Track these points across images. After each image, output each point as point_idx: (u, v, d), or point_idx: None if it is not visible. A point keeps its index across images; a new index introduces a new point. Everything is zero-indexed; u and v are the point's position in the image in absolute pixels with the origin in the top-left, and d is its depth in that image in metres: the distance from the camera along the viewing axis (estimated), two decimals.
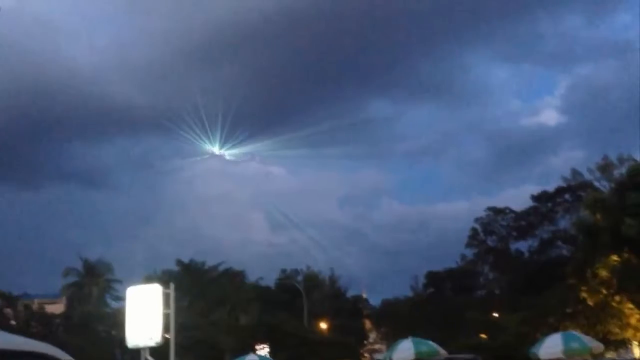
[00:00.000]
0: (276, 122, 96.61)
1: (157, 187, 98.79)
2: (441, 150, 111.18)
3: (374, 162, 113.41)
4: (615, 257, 27.02)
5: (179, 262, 47.56)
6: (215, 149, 68.27)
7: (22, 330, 33.63)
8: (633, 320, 26.39)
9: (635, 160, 32.53)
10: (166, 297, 14.24)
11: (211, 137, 66.52)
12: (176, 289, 14.63)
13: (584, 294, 28.48)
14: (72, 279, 44.67)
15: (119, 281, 43.27)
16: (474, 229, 58.82)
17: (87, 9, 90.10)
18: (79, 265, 44.75)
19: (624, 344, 29.46)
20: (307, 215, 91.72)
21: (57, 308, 44.38)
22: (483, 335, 46.73)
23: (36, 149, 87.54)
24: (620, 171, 35.72)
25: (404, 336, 31.21)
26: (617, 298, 26.90)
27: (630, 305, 26.36)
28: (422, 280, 64.88)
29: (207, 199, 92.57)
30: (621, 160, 38.55)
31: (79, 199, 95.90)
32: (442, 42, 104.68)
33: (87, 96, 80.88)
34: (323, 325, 56.57)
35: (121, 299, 32.62)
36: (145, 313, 14.59)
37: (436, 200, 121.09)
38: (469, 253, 60.25)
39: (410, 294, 65.23)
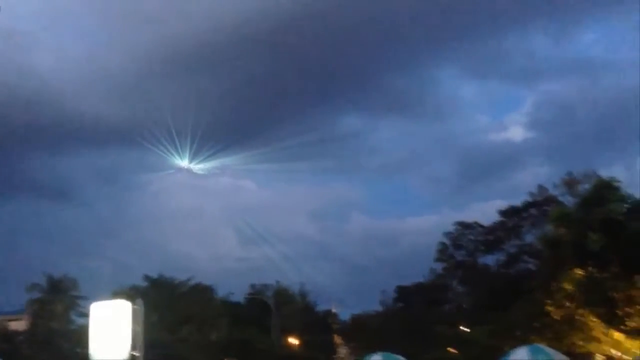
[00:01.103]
0: (246, 136, 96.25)
1: (124, 201, 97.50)
2: (411, 165, 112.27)
3: (344, 176, 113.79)
4: (579, 271, 27.46)
5: (147, 278, 46.99)
6: (185, 162, 67.62)
7: None
8: (597, 333, 26.81)
9: (599, 176, 33.23)
10: (135, 313, 14.06)
11: (180, 151, 65.92)
12: (144, 305, 14.45)
13: (549, 308, 28.86)
14: (36, 294, 43.75)
15: (85, 297, 42.55)
16: (443, 244, 59.24)
17: (57, 20, 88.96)
18: (43, 281, 43.83)
19: (589, 357, 29.91)
20: (277, 230, 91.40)
21: (20, 325, 43.35)
22: (452, 349, 47.00)
23: (0, 161, 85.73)
24: (584, 186, 36.46)
25: (373, 351, 31.31)
26: (581, 311, 27.31)
27: (594, 319, 26.78)
28: (391, 294, 65.11)
29: (176, 213, 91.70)
30: (586, 176, 39.42)
31: (44, 212, 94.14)
32: (411, 58, 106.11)
33: (54, 108, 79.71)
34: (293, 341, 56.29)
35: (87, 315, 31.84)
36: (111, 329, 14.37)
37: (406, 214, 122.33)
38: (438, 267, 60.60)
39: (379, 308, 65.39)
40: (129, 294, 37.83)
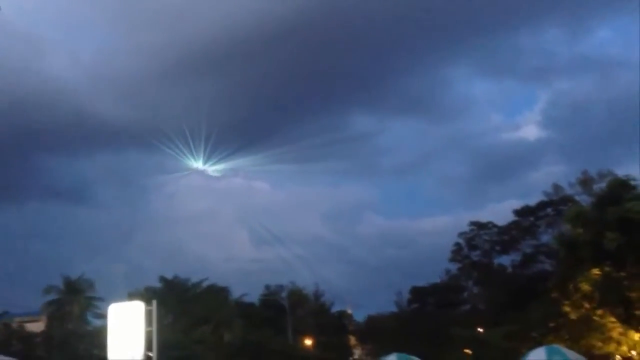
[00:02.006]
0: (260, 137, 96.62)
1: (140, 203, 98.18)
2: (424, 165, 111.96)
3: (358, 177, 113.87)
4: (596, 271, 27.23)
5: (162, 279, 47.17)
6: (199, 164, 68.01)
7: (1, 349, 33.04)
8: (615, 334, 26.56)
9: (614, 175, 32.93)
10: (148, 314, 14.15)
11: (195, 153, 66.30)
12: (159, 306, 14.54)
13: (566, 308, 28.65)
14: (52, 296, 44.04)
15: (101, 299, 42.81)
16: (457, 244, 59.08)
17: (70, 20, 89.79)
18: (60, 283, 44.16)
19: (607, 358, 29.62)
20: (291, 231, 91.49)
21: (37, 326, 43.70)
22: (468, 351, 46.76)
23: (16, 165, 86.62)
24: (600, 185, 36.16)
25: (388, 352, 31.22)
26: (599, 312, 27.07)
27: (612, 319, 26.54)
28: (406, 295, 64.89)
29: (191, 214, 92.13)
30: (601, 175, 39.10)
31: (60, 215, 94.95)
32: (424, 57, 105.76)
33: (70, 110, 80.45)
34: (308, 342, 56.28)
35: (103, 316, 32.21)
36: (127, 330, 14.48)
37: (420, 215, 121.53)
38: (453, 268, 60.43)
39: (394, 309, 65.23)
40: (144, 295, 38.10)
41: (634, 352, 26.59)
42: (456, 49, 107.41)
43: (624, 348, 26.72)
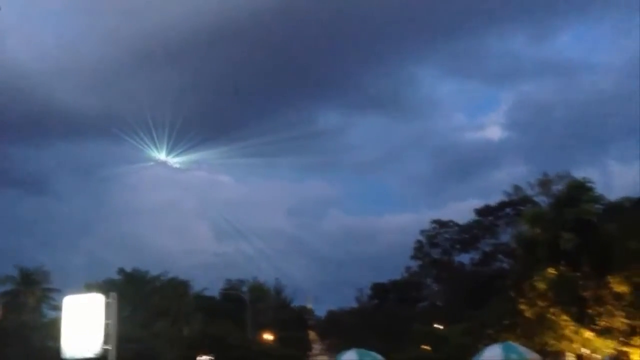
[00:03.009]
0: (224, 130, 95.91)
1: (100, 193, 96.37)
2: (388, 162, 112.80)
3: (322, 173, 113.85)
4: (552, 270, 27.89)
5: (121, 271, 46.68)
6: (162, 156, 66.94)
7: None
8: (568, 332, 27.25)
9: (572, 177, 33.79)
10: (108, 306, 13.97)
11: (158, 144, 65.25)
12: (118, 299, 14.36)
13: (522, 306, 29.28)
14: (7, 287, 43.13)
15: (58, 290, 42.08)
16: (419, 241, 59.80)
17: (33, 8, 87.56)
18: (15, 273, 43.25)
19: (560, 355, 30.41)
20: (253, 225, 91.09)
21: None
22: (426, 347, 47.43)
23: None
24: (558, 187, 37.03)
25: (348, 347, 31.46)
26: (553, 310, 27.74)
27: (565, 317, 27.22)
28: (367, 291, 65.40)
29: (152, 207, 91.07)
30: (560, 177, 40.09)
31: (17, 204, 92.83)
32: (392, 55, 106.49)
33: (30, 98, 78.47)
34: (268, 336, 56.25)
35: (59, 308, 31.48)
36: (84, 323, 14.24)
37: (383, 212, 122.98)
38: (414, 265, 61.16)
39: (355, 305, 65.64)
40: (103, 287, 37.60)
41: (585, 350, 27.36)
42: (423, 49, 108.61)
43: (576, 345, 27.46)
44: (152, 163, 70.69)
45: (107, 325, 13.69)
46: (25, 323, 40.59)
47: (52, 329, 30.39)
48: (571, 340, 27.40)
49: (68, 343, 14.09)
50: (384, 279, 64.88)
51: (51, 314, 41.75)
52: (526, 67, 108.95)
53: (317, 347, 68.14)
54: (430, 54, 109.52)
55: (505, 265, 50.63)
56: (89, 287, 37.67)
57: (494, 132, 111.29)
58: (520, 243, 32.86)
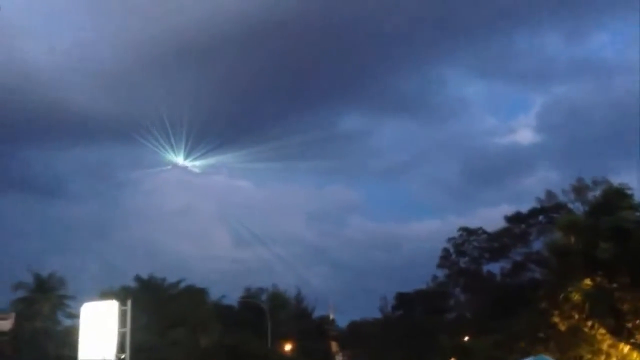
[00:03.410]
0: (244, 133, 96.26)
1: (116, 198, 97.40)
2: (414, 167, 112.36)
3: (345, 177, 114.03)
4: (588, 281, 27.47)
5: (138, 278, 46.95)
6: (180, 159, 67.55)
7: None
8: (605, 346, 26.81)
9: (609, 183, 33.25)
10: (123, 314, 14.04)
11: (175, 148, 65.86)
12: (134, 307, 14.43)
13: (555, 319, 28.88)
14: (22, 293, 43.58)
15: (73, 297, 42.41)
16: (446, 250, 59.30)
17: (47, 8, 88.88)
18: (29, 280, 43.73)
19: None
20: (273, 232, 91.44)
21: (5, 324, 43.15)
22: None
23: None
24: (594, 193, 36.50)
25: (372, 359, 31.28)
26: (589, 323, 27.31)
27: (602, 331, 26.78)
28: (391, 301, 65.12)
29: (169, 212, 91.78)
30: (596, 183, 39.44)
31: (32, 209, 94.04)
32: (418, 56, 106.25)
33: (44, 101, 79.47)
34: (287, 347, 56.23)
35: (74, 316, 31.89)
36: (99, 330, 14.35)
37: (408, 219, 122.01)
38: (441, 274, 60.64)
39: (378, 315, 65.36)
40: (119, 294, 37.80)
41: None
42: (451, 49, 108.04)
43: None
44: (169, 167, 71.30)
45: (122, 334, 13.75)
46: (39, 330, 40.98)
47: (68, 337, 30.70)
48: (608, 355, 26.94)
49: (84, 350, 14.22)
50: (408, 288, 64.62)
51: (66, 321, 42.11)
52: (559, 67, 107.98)
53: (338, 358, 67.95)
54: (458, 54, 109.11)
55: (537, 275, 49.95)
56: (105, 295, 37.87)
57: (525, 136, 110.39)
58: (553, 252, 32.41)
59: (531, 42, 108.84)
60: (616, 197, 28.39)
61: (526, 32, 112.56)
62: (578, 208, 41.14)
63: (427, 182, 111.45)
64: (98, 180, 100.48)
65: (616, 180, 32.53)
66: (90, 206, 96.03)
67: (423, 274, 62.30)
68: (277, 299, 60.52)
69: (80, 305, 15.11)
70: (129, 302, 13.88)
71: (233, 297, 60.33)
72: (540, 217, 52.12)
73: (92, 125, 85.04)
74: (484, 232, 58.19)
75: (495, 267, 57.31)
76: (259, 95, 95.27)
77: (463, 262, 59.33)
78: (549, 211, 50.27)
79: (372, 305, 65.91)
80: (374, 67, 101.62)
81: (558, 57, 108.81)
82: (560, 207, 47.45)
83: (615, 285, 26.87)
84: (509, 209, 57.95)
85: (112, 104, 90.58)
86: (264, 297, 61.16)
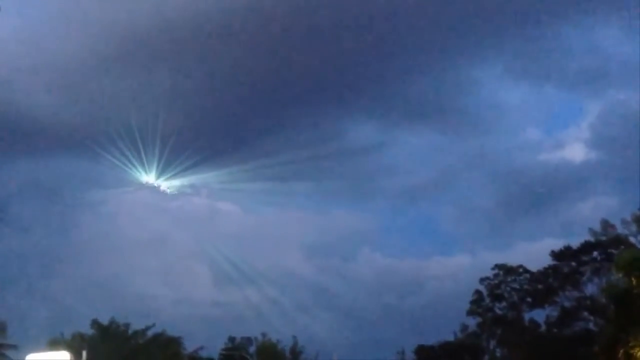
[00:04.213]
0: (230, 148, 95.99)
1: (70, 225, 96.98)
2: (438, 189, 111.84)
3: (353, 201, 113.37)
4: None
5: (95, 324, 46.87)
6: (150, 178, 67.64)
7: None
8: None
9: None
10: None
11: (146, 164, 66.04)
12: (91, 358, 14.34)
13: None
14: None
15: (14, 346, 42.39)
16: (478, 292, 59.18)
17: None
18: None
19: None
20: (264, 268, 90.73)
21: None
22: None
23: None
24: None
25: None
26: None
27: None
28: (410, 356, 64.82)
29: (136, 242, 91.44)
30: None
31: None
32: (442, 53, 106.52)
33: None
34: None
35: None
36: None
37: (430, 253, 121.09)
38: (472, 323, 60.48)
39: None
40: (71, 343, 37.72)
41: None
42: (485, 45, 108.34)
43: None
44: (137, 187, 71.39)
45: None
46: None
47: None
48: None
49: None
50: (431, 340, 64.22)
51: None
52: (617, 69, 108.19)
53: None
54: (494, 51, 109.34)
55: (591, 325, 49.83)
56: (54, 344, 37.85)
57: (576, 152, 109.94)
58: (611, 297, 32.37)
59: (583, 37, 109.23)
60: None
61: (577, 24, 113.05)
62: None
63: (454, 208, 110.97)
64: (48, 202, 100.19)
65: None
66: (37, 234, 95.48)
67: (450, 323, 62.06)
68: (268, 352, 60.32)
69: (24, 357, 15.05)
70: (84, 354, 13.83)
71: (214, 349, 60.12)
72: (595, 254, 52.07)
73: (42, 135, 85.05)
74: (525, 270, 58.10)
75: (539, 315, 57.19)
76: (248, 101, 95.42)
77: (499, 308, 59.19)
78: (605, 246, 50.23)
79: None
80: (389, 67, 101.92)
81: (617, 56, 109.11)
82: (619, 241, 47.43)
83: None
84: (556, 243, 57.86)
85: (67, 109, 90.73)
86: (252, 349, 60.99)
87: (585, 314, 52.24)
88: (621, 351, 28.75)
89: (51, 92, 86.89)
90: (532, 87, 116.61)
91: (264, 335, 62.01)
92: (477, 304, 59.32)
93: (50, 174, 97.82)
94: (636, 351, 27.73)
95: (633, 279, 29.41)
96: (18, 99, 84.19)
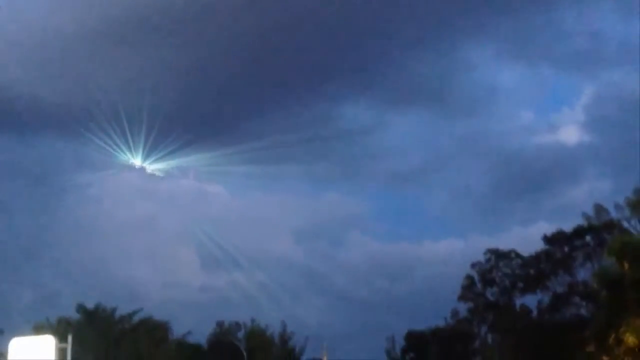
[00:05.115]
0: (218, 129, 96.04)
1: (55, 207, 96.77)
2: (430, 172, 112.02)
3: (344, 184, 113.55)
4: None
5: (81, 308, 46.90)
6: (137, 160, 67.50)
7: None
8: None
9: None
10: (61, 353, 14.01)
11: (132, 146, 65.85)
12: (76, 343, 14.40)
13: None
14: None
15: None
16: (469, 277, 59.34)
17: None
18: None
19: None
20: (253, 252, 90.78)
21: None
22: None
23: None
24: None
25: None
26: None
27: None
28: (400, 342, 65.10)
29: (122, 225, 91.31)
30: None
31: None
32: (437, 34, 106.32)
33: None
34: None
35: (0, 354, 31.93)
36: None
37: (422, 237, 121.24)
38: (463, 308, 60.71)
39: (384, 359, 65.35)
40: (56, 328, 37.75)
41: None
42: (479, 25, 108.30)
43: None
44: (123, 169, 71.29)
45: None
46: None
47: None
48: None
49: None
50: (422, 326, 64.56)
51: None
52: (613, 50, 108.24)
53: None
54: (488, 32, 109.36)
55: (583, 311, 50.12)
56: (39, 328, 37.87)
57: (570, 134, 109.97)
58: (603, 282, 32.57)
59: (578, 16, 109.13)
60: None
61: (572, 5, 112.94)
62: (635, 227, 41.31)
63: (447, 192, 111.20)
64: (32, 184, 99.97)
65: None
66: (21, 217, 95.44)
67: (440, 308, 62.27)
68: (257, 337, 60.48)
69: (8, 342, 15.05)
70: (69, 338, 13.87)
71: (201, 334, 60.23)
72: (588, 238, 52.28)
73: (24, 115, 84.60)
74: (517, 255, 58.30)
75: (531, 300, 57.44)
76: (237, 82, 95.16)
77: (491, 293, 59.42)
78: (598, 231, 50.43)
79: (377, 347, 65.81)
80: (381, 49, 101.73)
81: (612, 35, 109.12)
82: (612, 225, 47.61)
83: None
84: (549, 228, 58.08)
85: (52, 89, 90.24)
86: (240, 334, 61.10)
87: (577, 299, 52.50)
88: (612, 336, 28.96)
89: (34, 71, 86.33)
90: (525, 68, 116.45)
91: (252, 320, 62.18)
92: (468, 289, 59.48)
93: (34, 155, 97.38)
94: (627, 337, 27.93)
95: (625, 264, 29.61)
96: (1, 79, 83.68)
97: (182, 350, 50.47)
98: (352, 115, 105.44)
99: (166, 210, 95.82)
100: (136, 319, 47.88)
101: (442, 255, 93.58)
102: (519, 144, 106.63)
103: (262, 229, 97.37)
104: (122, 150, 65.42)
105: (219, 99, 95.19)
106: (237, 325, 62.26)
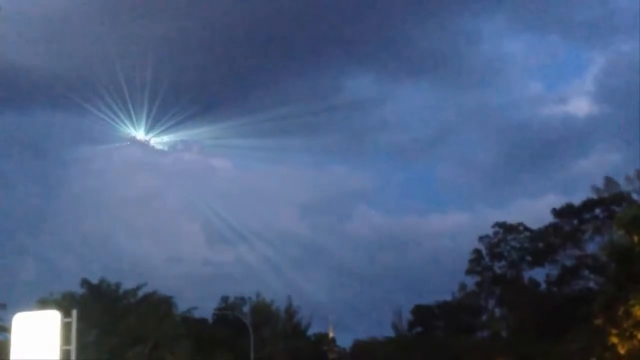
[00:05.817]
0: (223, 102, 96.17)
1: (57, 181, 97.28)
2: (438, 144, 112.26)
3: (349, 157, 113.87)
4: None
5: (85, 283, 47.18)
6: (140, 133, 67.76)
7: None
8: None
9: None
10: (66, 328, 14.15)
11: (134, 119, 66.01)
12: (81, 318, 14.55)
13: (614, 339, 29.15)
14: None
15: (2, 306, 42.73)
16: (477, 251, 59.53)
17: None
18: None
19: None
20: (258, 226, 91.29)
21: None
22: None
23: None
24: None
25: None
26: None
27: None
28: (407, 316, 65.43)
29: (126, 200, 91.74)
30: None
31: None
32: (442, 4, 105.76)
33: None
34: None
35: (4, 329, 32.22)
36: (35, 348, 14.50)
37: (429, 211, 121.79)
38: (470, 282, 60.95)
39: (391, 333, 65.73)
40: (61, 303, 38.05)
41: None
42: None
43: None
44: (126, 143, 71.52)
45: (65, 352, 13.88)
46: None
47: None
48: None
49: None
50: (429, 300, 64.96)
51: None
52: (624, 19, 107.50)
53: None
54: (495, 3, 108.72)
55: (592, 284, 50.25)
56: (43, 303, 38.15)
57: (580, 106, 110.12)
58: (613, 255, 32.66)
59: None
60: None
61: None
62: None
63: (454, 165, 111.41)
64: (34, 157, 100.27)
65: None
66: (24, 191, 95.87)
67: (448, 282, 62.60)
68: (262, 312, 60.83)
69: (12, 316, 15.20)
70: (74, 313, 14.01)
71: (206, 309, 60.72)
72: (597, 211, 52.29)
73: (25, 87, 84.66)
74: (526, 228, 58.41)
75: (539, 274, 57.63)
76: (241, 53, 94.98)
77: (499, 267, 59.62)
78: (608, 203, 50.43)
79: (383, 321, 66.30)
80: (387, 20, 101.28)
81: (623, 4, 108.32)
82: (622, 198, 47.60)
83: None
84: (558, 200, 58.40)
85: (52, 60, 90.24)
86: (245, 309, 61.51)
87: (586, 272, 52.61)
88: (621, 309, 29.07)
89: (35, 43, 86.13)
90: (533, 38, 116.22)
91: (258, 295, 62.54)
92: (476, 262, 59.71)
93: (36, 128, 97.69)
94: (636, 309, 28.04)
95: (635, 236, 29.65)
96: (0, 50, 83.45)
97: (186, 324, 50.81)
98: (359, 87, 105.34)
99: (170, 184, 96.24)
100: (140, 293, 48.15)
101: (449, 228, 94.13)
102: (527, 115, 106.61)
103: (267, 203, 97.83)
104: (125, 124, 65.66)
105: (224, 71, 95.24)
106: (242, 299, 62.66)
